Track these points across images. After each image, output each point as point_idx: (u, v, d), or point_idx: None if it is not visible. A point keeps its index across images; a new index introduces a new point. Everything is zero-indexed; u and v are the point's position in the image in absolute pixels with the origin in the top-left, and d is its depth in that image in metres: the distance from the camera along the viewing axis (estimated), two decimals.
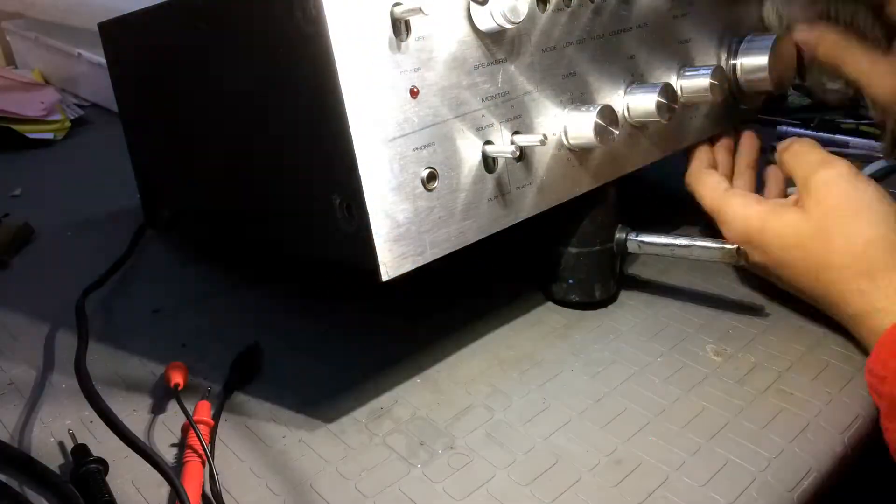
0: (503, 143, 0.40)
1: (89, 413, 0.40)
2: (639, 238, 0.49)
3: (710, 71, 0.49)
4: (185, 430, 0.40)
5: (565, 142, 0.43)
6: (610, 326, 0.49)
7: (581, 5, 0.44)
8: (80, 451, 0.38)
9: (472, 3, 0.38)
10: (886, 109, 0.52)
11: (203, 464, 0.38)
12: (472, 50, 0.39)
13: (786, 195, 0.52)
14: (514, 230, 0.42)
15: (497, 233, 0.41)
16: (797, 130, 0.75)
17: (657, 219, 0.56)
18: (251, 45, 0.40)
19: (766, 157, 0.62)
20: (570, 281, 0.50)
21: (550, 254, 0.50)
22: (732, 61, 0.55)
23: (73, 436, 0.39)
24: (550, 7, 0.42)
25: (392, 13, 0.35)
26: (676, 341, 0.47)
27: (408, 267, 0.37)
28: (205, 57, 0.45)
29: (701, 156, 0.54)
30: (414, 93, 0.36)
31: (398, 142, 0.36)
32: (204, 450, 0.38)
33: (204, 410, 0.41)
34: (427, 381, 0.44)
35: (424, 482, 0.37)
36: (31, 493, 0.37)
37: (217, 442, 0.40)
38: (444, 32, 0.37)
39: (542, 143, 0.40)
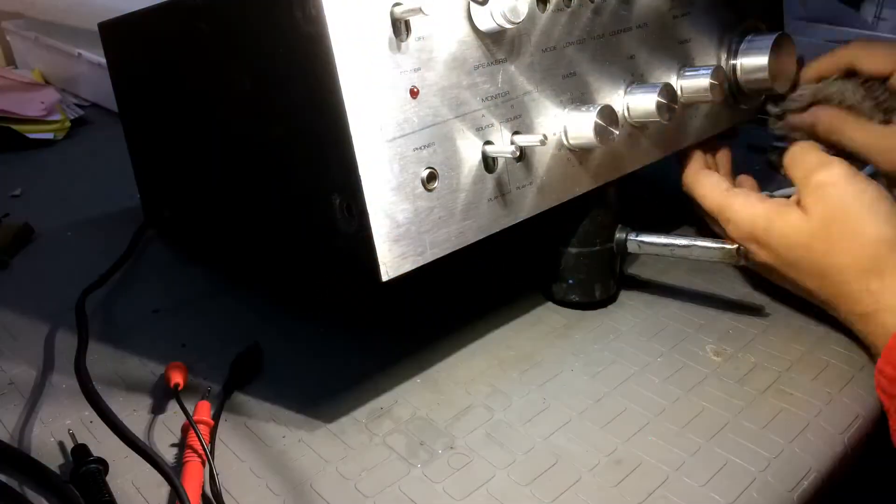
0: (503, 143, 0.40)
1: (89, 413, 0.40)
2: (639, 238, 0.49)
3: (710, 71, 0.49)
4: (185, 430, 0.40)
5: (565, 142, 0.43)
6: (610, 326, 0.49)
7: (581, 5, 0.44)
8: (80, 451, 0.38)
9: (472, 3, 0.38)
10: (892, 178, 0.52)
11: (203, 464, 0.38)
12: (472, 50, 0.39)
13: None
14: (514, 230, 0.42)
15: (497, 233, 0.41)
16: None
17: (657, 219, 0.56)
18: (251, 46, 0.40)
19: (765, 156, 0.63)
20: (570, 281, 0.50)
21: (550, 254, 0.50)
22: (732, 61, 0.55)
23: (73, 436, 0.39)
24: (550, 7, 0.42)
25: (392, 13, 0.35)
26: (676, 341, 0.47)
27: (408, 267, 0.37)
28: (205, 57, 0.45)
29: (696, 157, 0.53)
30: (414, 93, 0.36)
31: (398, 142, 0.36)
32: (204, 450, 0.38)
33: (204, 410, 0.41)
34: (427, 381, 0.44)
35: (424, 482, 0.37)
36: (31, 494, 0.37)
37: (217, 442, 0.40)
38: (444, 32, 0.37)
39: (542, 143, 0.40)
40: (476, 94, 0.39)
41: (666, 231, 0.49)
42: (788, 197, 0.48)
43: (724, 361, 0.45)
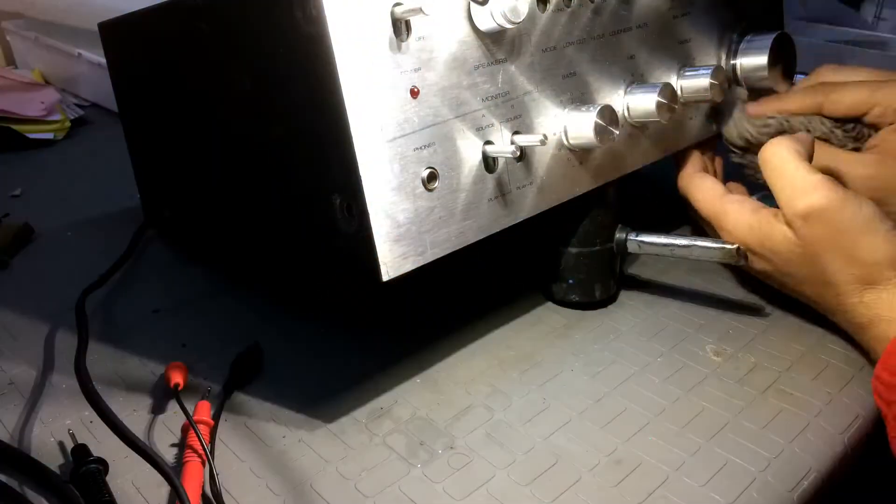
0: (503, 143, 0.40)
1: (89, 413, 0.40)
2: (639, 238, 0.49)
3: (710, 71, 0.49)
4: (185, 430, 0.40)
5: (565, 142, 0.43)
6: (610, 326, 0.49)
7: (581, 5, 0.44)
8: (80, 451, 0.38)
9: (472, 3, 0.38)
10: None
11: (203, 464, 0.38)
12: (473, 50, 0.39)
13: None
14: (514, 230, 0.42)
15: (497, 233, 0.41)
16: None
17: (657, 219, 0.56)
18: (251, 46, 0.40)
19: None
20: (571, 281, 0.50)
21: (550, 254, 0.50)
22: (732, 61, 0.55)
23: (73, 436, 0.39)
24: (550, 7, 0.42)
25: (392, 13, 0.35)
26: (676, 341, 0.47)
27: (408, 267, 0.37)
28: (205, 57, 0.45)
29: (693, 160, 0.53)
30: (414, 93, 0.36)
31: (398, 142, 0.36)
32: (204, 450, 0.38)
33: (204, 410, 0.41)
34: (427, 381, 0.44)
35: (424, 482, 0.37)
36: (31, 494, 0.37)
37: (217, 442, 0.40)
38: (445, 32, 0.37)
39: (543, 143, 0.40)
40: (476, 94, 0.39)
41: (666, 231, 0.49)
42: None
43: (724, 361, 0.45)
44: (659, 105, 0.46)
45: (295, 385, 0.44)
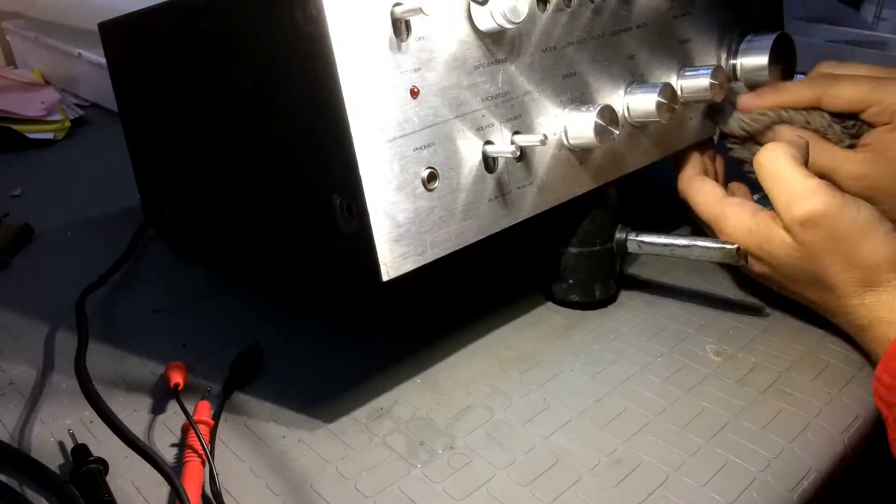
0: (503, 143, 0.40)
1: (89, 413, 0.40)
2: (639, 238, 0.49)
3: (710, 71, 0.49)
4: (185, 430, 0.40)
5: (565, 142, 0.43)
6: (610, 326, 0.49)
7: (581, 5, 0.44)
8: (80, 451, 0.38)
9: (472, 4, 0.38)
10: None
11: (203, 464, 0.38)
12: (473, 50, 0.39)
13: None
14: (514, 230, 0.42)
15: (497, 233, 0.41)
16: None
17: (657, 219, 0.56)
18: (251, 46, 0.40)
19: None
20: (571, 281, 0.50)
21: (550, 254, 0.50)
22: (732, 61, 0.55)
23: (73, 436, 0.39)
24: (550, 7, 0.42)
25: (392, 13, 0.35)
26: (676, 341, 0.47)
27: (408, 267, 0.37)
28: (205, 57, 0.45)
29: (693, 162, 0.53)
30: (414, 93, 0.36)
31: (398, 142, 0.36)
32: (204, 450, 0.38)
33: (204, 410, 0.41)
34: (427, 381, 0.44)
35: (424, 482, 0.37)
36: (31, 494, 0.37)
37: (217, 442, 0.40)
38: (445, 32, 0.37)
39: (543, 143, 0.40)
40: (476, 94, 0.39)
41: (666, 231, 0.49)
42: None
43: (724, 361, 0.45)
44: (659, 105, 0.46)
45: (295, 385, 0.44)
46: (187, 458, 0.38)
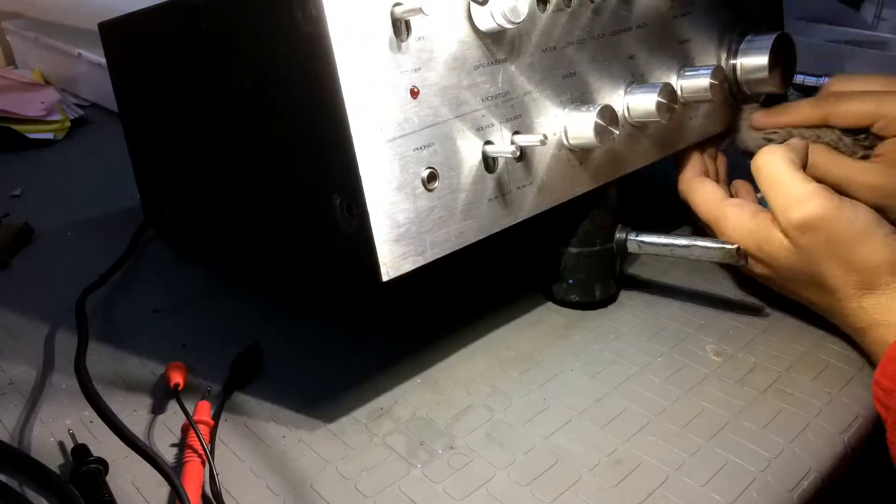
0: (503, 143, 0.40)
1: (89, 413, 0.40)
2: (639, 238, 0.49)
3: (710, 71, 0.49)
4: (185, 430, 0.40)
5: (565, 142, 0.43)
6: (610, 326, 0.49)
7: (581, 5, 0.44)
8: (80, 451, 0.38)
9: (472, 4, 0.38)
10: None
11: (203, 464, 0.38)
12: (473, 50, 0.39)
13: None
14: (514, 230, 0.42)
15: (497, 233, 0.41)
16: None
17: (657, 219, 0.56)
18: (251, 46, 0.40)
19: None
20: (571, 281, 0.50)
21: (550, 254, 0.50)
22: (732, 61, 0.55)
23: (73, 436, 0.39)
24: (550, 7, 0.42)
25: (392, 13, 0.35)
26: (676, 341, 0.47)
27: (408, 267, 0.37)
28: (205, 57, 0.45)
29: (693, 163, 0.53)
30: (414, 93, 0.36)
31: (398, 142, 0.36)
32: (204, 450, 0.38)
33: (204, 410, 0.41)
34: (427, 381, 0.44)
35: (424, 482, 0.37)
36: (31, 494, 0.37)
37: (217, 442, 0.40)
38: (445, 32, 0.37)
39: (543, 143, 0.40)
40: (476, 94, 0.39)
41: (666, 231, 0.49)
42: None
43: (724, 361, 0.45)
44: (659, 105, 0.46)
45: (295, 385, 0.44)
46: (187, 458, 0.38)
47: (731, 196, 0.50)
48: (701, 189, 0.51)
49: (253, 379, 0.45)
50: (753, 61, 0.54)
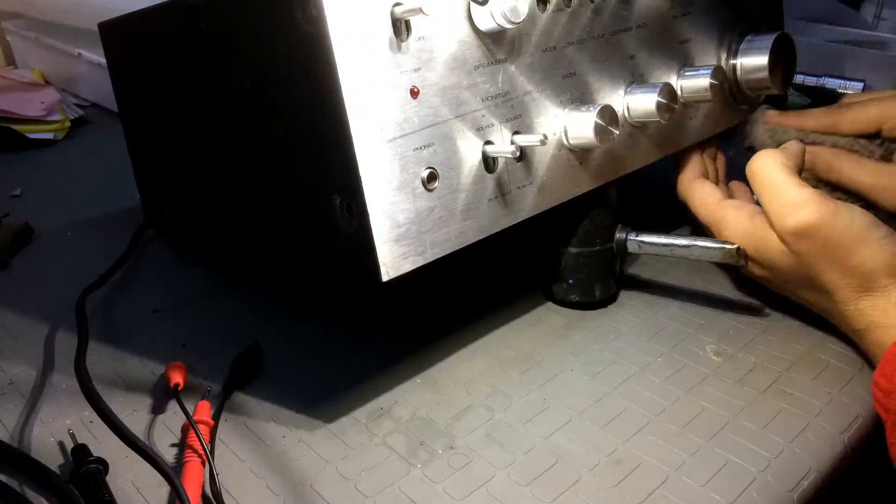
0: (503, 143, 0.40)
1: (89, 413, 0.40)
2: (639, 238, 0.49)
3: (710, 71, 0.49)
4: (185, 430, 0.40)
5: (565, 142, 0.43)
6: (610, 326, 0.49)
7: (581, 5, 0.44)
8: (80, 451, 0.38)
9: (472, 4, 0.38)
10: (894, 215, 0.50)
11: (203, 464, 0.38)
12: (473, 50, 0.39)
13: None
14: (514, 230, 0.42)
15: (497, 233, 0.41)
16: None
17: (657, 219, 0.56)
18: (251, 46, 0.40)
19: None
20: (571, 281, 0.50)
21: (550, 254, 0.50)
22: (732, 61, 0.55)
23: (73, 436, 0.39)
24: (550, 7, 0.42)
25: (392, 13, 0.35)
26: (676, 341, 0.47)
27: (408, 267, 0.37)
28: (205, 57, 0.45)
29: (691, 165, 0.53)
30: (414, 93, 0.36)
31: (398, 142, 0.36)
32: (204, 450, 0.38)
33: (204, 410, 0.41)
34: (427, 381, 0.44)
35: (424, 482, 0.37)
36: (31, 494, 0.37)
37: (217, 442, 0.40)
38: (445, 32, 0.37)
39: (543, 143, 0.40)
40: (476, 94, 0.39)
41: (666, 231, 0.49)
42: None
43: (724, 361, 0.45)
44: (659, 105, 0.46)
45: (295, 385, 0.44)
46: (187, 458, 0.38)
47: (730, 197, 0.50)
48: (700, 191, 0.51)
49: (253, 379, 0.45)
50: (753, 61, 0.54)
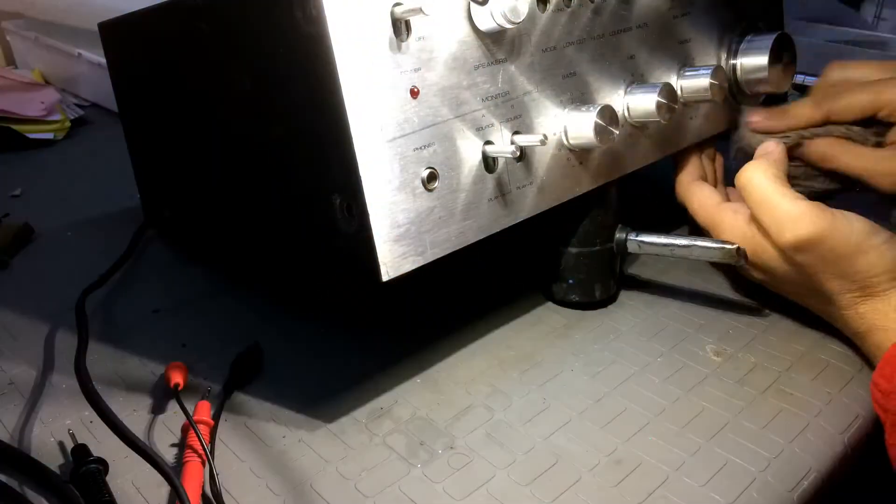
0: (503, 143, 0.40)
1: (89, 413, 0.40)
2: (639, 238, 0.49)
3: (710, 71, 0.49)
4: (185, 430, 0.40)
5: (565, 142, 0.43)
6: (610, 326, 0.49)
7: (581, 5, 0.44)
8: (80, 451, 0.38)
9: (472, 3, 0.38)
10: (891, 194, 0.50)
11: (203, 464, 0.38)
12: (473, 50, 0.39)
13: None
14: (514, 230, 0.42)
15: (497, 233, 0.41)
16: None
17: (657, 219, 0.56)
18: (251, 46, 0.40)
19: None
20: (571, 281, 0.50)
21: (550, 254, 0.50)
22: (732, 61, 0.55)
23: (73, 436, 0.39)
24: (550, 7, 0.42)
25: (392, 13, 0.35)
26: (676, 341, 0.47)
27: (408, 267, 0.37)
28: (205, 57, 0.45)
29: (690, 167, 0.53)
30: (414, 93, 0.36)
31: (398, 142, 0.36)
32: (204, 450, 0.38)
33: (204, 410, 0.41)
34: (427, 381, 0.44)
35: (424, 482, 0.37)
36: (31, 494, 0.37)
37: (217, 442, 0.40)
38: (445, 32, 0.37)
39: (543, 143, 0.40)
40: (476, 94, 0.39)
41: (666, 231, 0.49)
42: None
43: (724, 361, 0.45)
44: (659, 105, 0.46)
45: (295, 385, 0.44)
46: (187, 458, 0.38)
47: (729, 199, 0.50)
48: (698, 193, 0.51)
49: (253, 379, 0.45)
50: (753, 61, 0.54)
